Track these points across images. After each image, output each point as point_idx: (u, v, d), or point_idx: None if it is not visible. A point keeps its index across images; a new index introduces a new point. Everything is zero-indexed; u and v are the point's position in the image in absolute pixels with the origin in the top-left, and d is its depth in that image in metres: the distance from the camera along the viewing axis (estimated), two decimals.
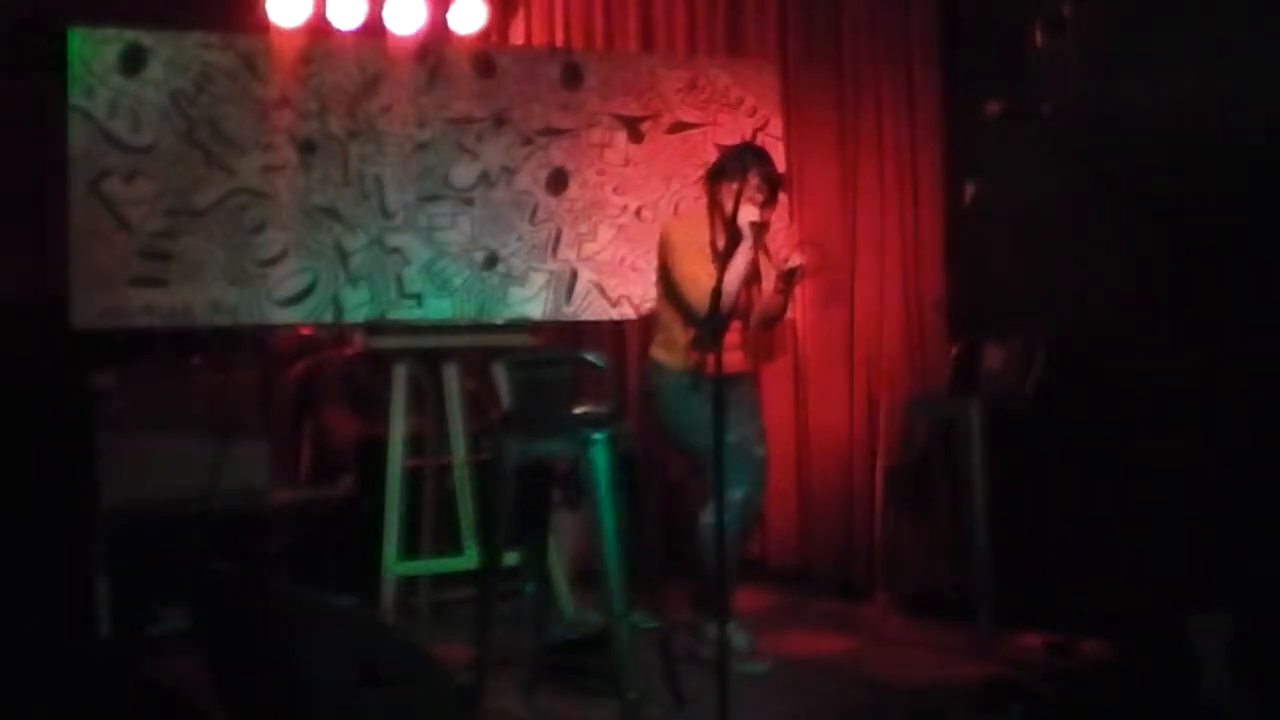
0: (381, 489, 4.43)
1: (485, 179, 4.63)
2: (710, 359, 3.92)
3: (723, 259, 3.80)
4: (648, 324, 5.22)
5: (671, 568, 4.54)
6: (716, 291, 3.46)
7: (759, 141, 4.69)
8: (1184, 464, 3.84)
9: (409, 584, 4.69)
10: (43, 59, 4.45)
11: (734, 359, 4.12)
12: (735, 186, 3.91)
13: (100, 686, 3.74)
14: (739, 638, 3.99)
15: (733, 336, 4.11)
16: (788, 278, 4.03)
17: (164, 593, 4.41)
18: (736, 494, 3.99)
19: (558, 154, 4.73)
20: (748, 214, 3.94)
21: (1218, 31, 3.98)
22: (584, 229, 4.76)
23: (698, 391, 3.94)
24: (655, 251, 4.24)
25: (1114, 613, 3.81)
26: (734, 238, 3.87)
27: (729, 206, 3.93)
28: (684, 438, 4.08)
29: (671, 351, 4.10)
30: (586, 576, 4.43)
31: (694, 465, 4.22)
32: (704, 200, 4.18)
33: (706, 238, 4.08)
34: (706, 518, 4.01)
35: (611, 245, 4.79)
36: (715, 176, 4.12)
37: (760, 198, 4.02)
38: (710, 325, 3.78)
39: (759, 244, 4.07)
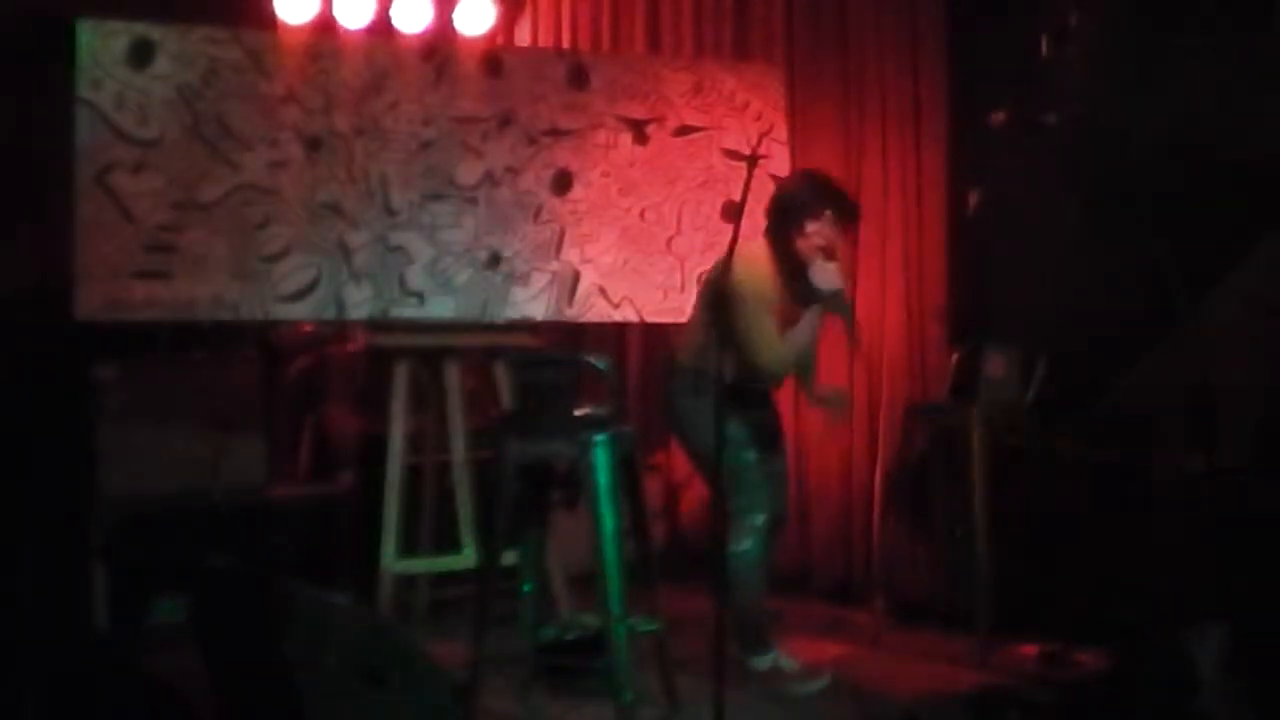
0: (380, 486, 4.43)
1: (489, 178, 4.63)
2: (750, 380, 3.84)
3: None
4: (650, 326, 5.23)
5: (669, 570, 4.55)
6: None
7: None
8: (1181, 475, 3.84)
9: (407, 582, 4.69)
10: (50, 51, 4.45)
11: (764, 383, 4.01)
12: (812, 230, 3.72)
13: (96, 679, 3.74)
14: (786, 662, 3.90)
15: None
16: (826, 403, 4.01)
17: (162, 586, 4.41)
18: (759, 519, 3.86)
19: (562, 155, 4.73)
20: (827, 277, 3.69)
21: (1221, 42, 3.99)
22: (587, 230, 4.75)
23: (733, 405, 3.71)
24: (696, 283, 4.00)
25: (1110, 623, 3.81)
26: (806, 298, 3.70)
27: (800, 253, 3.73)
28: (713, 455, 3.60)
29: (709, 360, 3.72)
30: (584, 578, 4.43)
31: (719, 485, 3.79)
32: (761, 237, 3.86)
33: (774, 290, 3.75)
34: (734, 546, 3.84)
35: (615, 247, 4.78)
36: (784, 215, 3.80)
37: (835, 243, 3.76)
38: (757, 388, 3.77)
39: (837, 313, 3.79)
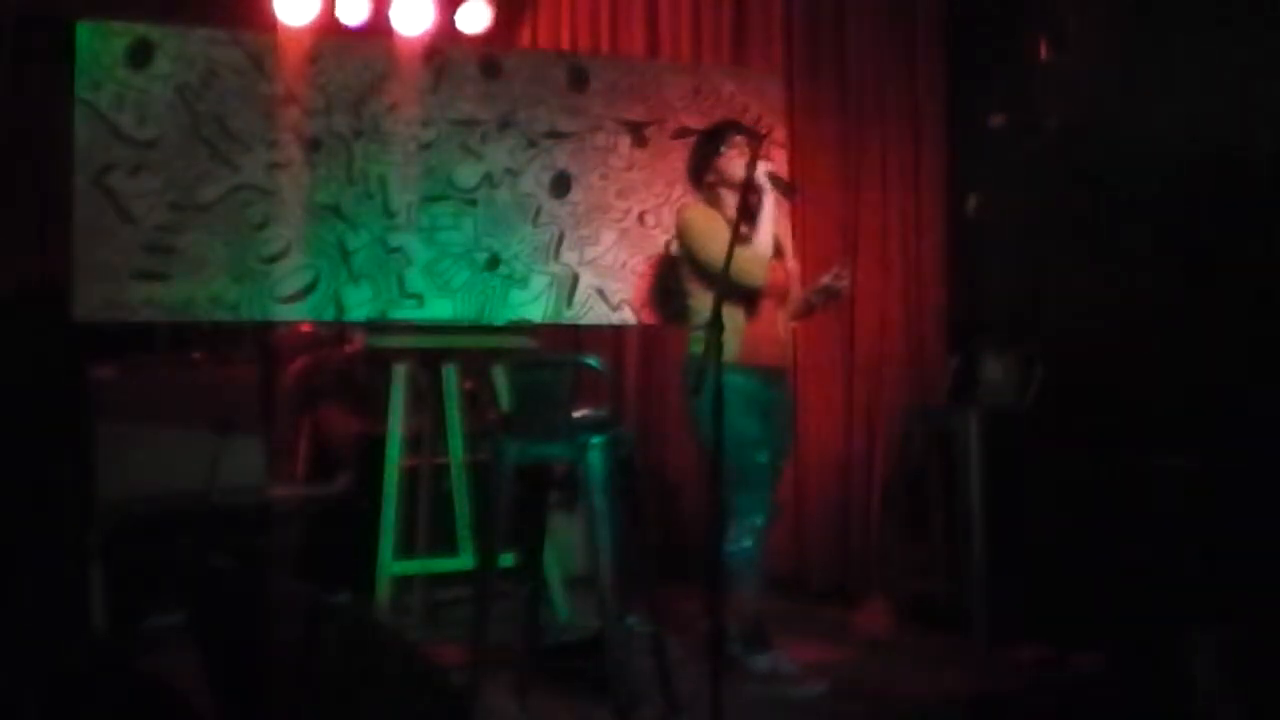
0: (378, 488, 4.43)
1: (489, 180, 4.64)
2: (757, 348, 3.87)
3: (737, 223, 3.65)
4: (648, 329, 5.24)
5: (667, 572, 4.55)
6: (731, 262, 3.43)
7: (763, 150, 4.34)
8: (1180, 478, 3.85)
9: (404, 583, 4.69)
10: (50, 51, 4.46)
11: (775, 351, 3.99)
12: (728, 151, 3.89)
13: (94, 681, 3.73)
14: (785, 664, 3.89)
15: (769, 327, 3.94)
16: (823, 296, 3.94)
17: (159, 587, 4.41)
18: (759, 520, 3.86)
19: (561, 157, 4.74)
20: (759, 167, 3.83)
21: (1220, 46, 3.99)
22: (586, 232, 4.76)
23: (754, 398, 3.78)
24: (663, 252, 4.11)
25: (1108, 627, 3.81)
26: (749, 199, 3.79)
27: (732, 171, 3.88)
28: (731, 451, 3.48)
29: (724, 345, 3.65)
30: (582, 579, 4.43)
31: (729, 479, 3.66)
32: (701, 198, 4.05)
33: (724, 220, 3.89)
34: (733, 545, 3.83)
35: (613, 249, 4.79)
36: (703, 155, 4.03)
37: (756, 153, 3.88)
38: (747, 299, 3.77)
39: (787, 196, 3.98)
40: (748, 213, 3.83)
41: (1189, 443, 3.86)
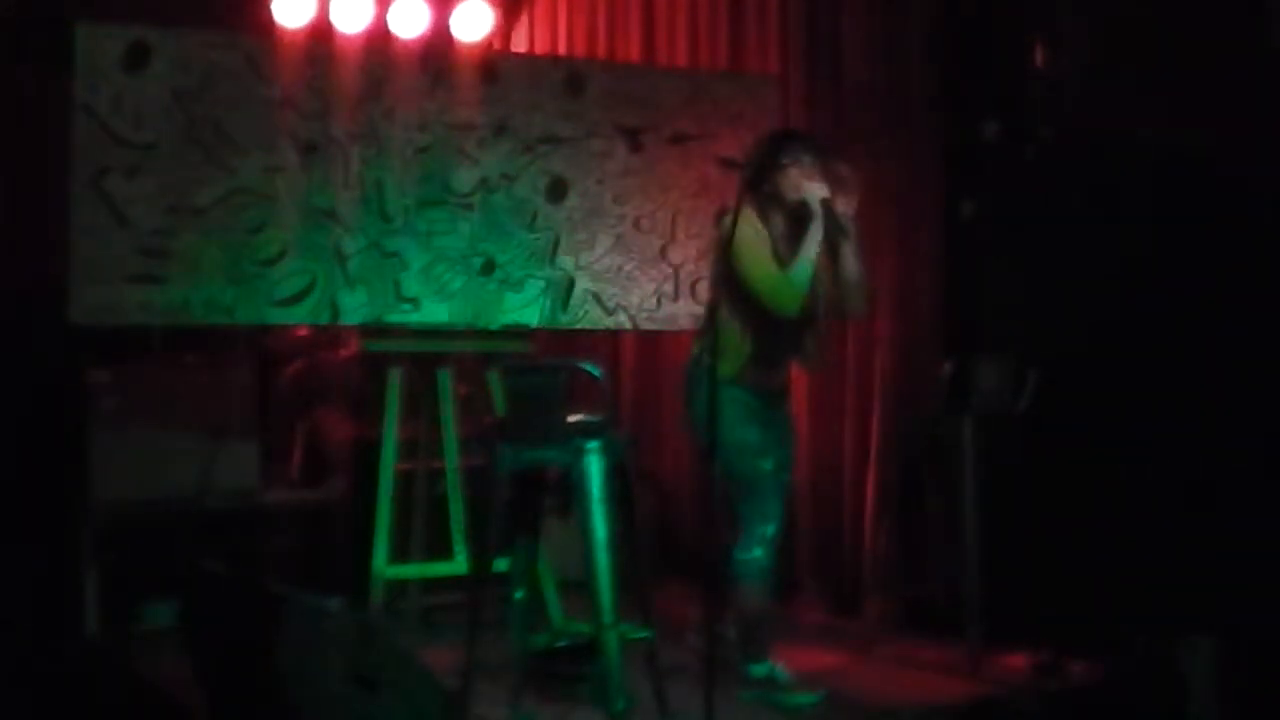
0: (373, 492, 4.43)
1: (485, 185, 4.64)
2: (770, 371, 3.82)
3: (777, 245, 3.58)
4: (643, 334, 5.24)
5: (662, 577, 4.55)
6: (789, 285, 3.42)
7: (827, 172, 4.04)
8: (1175, 485, 3.85)
9: (398, 587, 4.69)
10: (47, 54, 4.45)
11: (786, 376, 3.99)
12: (788, 166, 3.72)
13: (87, 683, 3.73)
14: (781, 672, 3.85)
15: (789, 353, 3.90)
16: (825, 207, 3.72)
17: (153, 590, 4.41)
18: (770, 529, 3.82)
19: (558, 162, 4.74)
20: (815, 191, 3.69)
21: (1216, 51, 4.01)
22: (582, 237, 4.76)
23: (752, 410, 3.76)
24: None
25: (1103, 633, 3.82)
26: (802, 218, 3.67)
27: (789, 191, 3.72)
28: (728, 460, 3.64)
29: (726, 360, 3.65)
30: (576, 584, 4.42)
31: (732, 490, 3.82)
32: (752, 208, 3.79)
33: (767, 240, 3.73)
34: (742, 553, 3.80)
35: (609, 254, 4.79)
36: (761, 165, 3.80)
37: (820, 178, 3.73)
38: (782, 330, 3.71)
39: (838, 229, 3.74)
40: (791, 236, 3.74)
41: (1184, 447, 3.87)
